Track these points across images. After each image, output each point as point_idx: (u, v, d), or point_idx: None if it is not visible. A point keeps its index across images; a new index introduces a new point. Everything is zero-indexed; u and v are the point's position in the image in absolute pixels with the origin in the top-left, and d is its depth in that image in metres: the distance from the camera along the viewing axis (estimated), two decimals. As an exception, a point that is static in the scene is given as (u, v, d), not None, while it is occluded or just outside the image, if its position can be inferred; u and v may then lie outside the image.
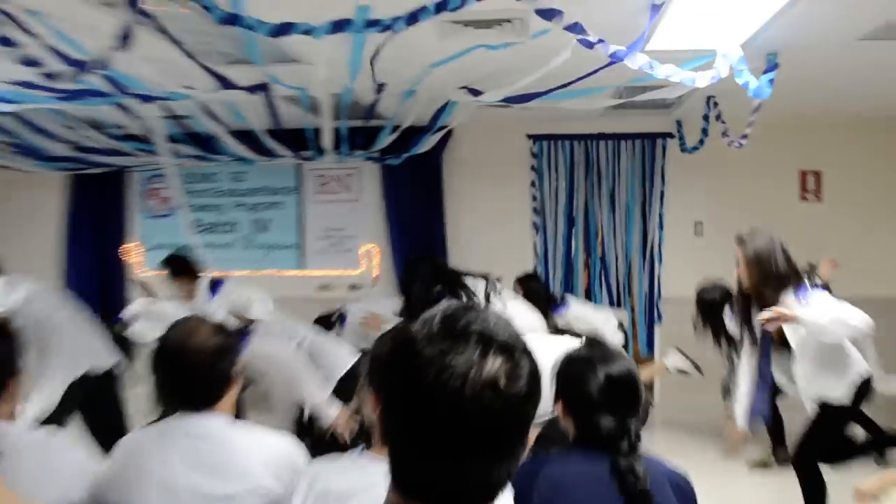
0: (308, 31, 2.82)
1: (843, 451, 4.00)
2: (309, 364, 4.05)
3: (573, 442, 1.99)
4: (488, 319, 1.00)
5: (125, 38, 2.74)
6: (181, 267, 5.29)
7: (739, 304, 3.86)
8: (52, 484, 2.07)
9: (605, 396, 1.91)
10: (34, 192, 7.13)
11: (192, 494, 2.04)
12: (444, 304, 1.04)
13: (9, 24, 3.00)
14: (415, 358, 0.96)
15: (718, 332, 5.04)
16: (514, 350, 0.98)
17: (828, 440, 3.84)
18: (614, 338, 5.73)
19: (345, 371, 4.13)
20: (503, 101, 4.24)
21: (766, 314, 3.45)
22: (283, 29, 2.80)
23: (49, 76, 3.05)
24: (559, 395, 1.99)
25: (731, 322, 4.58)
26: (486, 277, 4.45)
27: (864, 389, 3.72)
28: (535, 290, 5.88)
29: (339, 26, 2.83)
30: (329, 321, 5.05)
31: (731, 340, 4.85)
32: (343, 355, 4.25)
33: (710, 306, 5.10)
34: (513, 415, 0.97)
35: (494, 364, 0.95)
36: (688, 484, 1.96)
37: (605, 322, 5.93)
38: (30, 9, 3.07)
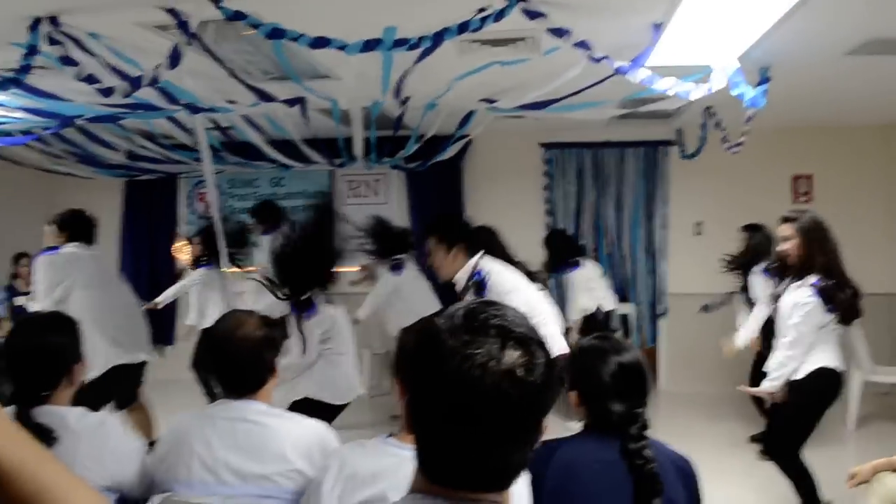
0: (342, 47, 2.85)
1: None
2: None
3: (585, 428, 2.00)
4: (507, 314, 1.01)
5: (175, 58, 2.78)
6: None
7: (779, 273, 3.83)
8: (106, 464, 2.10)
9: (617, 384, 1.90)
10: (95, 195, 7.21)
11: (230, 473, 2.06)
12: (468, 300, 1.05)
13: (71, 45, 3.06)
14: (439, 349, 0.97)
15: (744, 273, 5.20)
16: (531, 343, 0.99)
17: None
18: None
19: None
20: (518, 108, 4.25)
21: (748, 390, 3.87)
22: (321, 42, 2.83)
23: (106, 92, 3.10)
24: (573, 384, 1.99)
25: (759, 278, 4.94)
26: None
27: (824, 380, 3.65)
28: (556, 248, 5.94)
29: (370, 45, 2.87)
30: None
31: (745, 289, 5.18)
32: None
33: (754, 251, 5.16)
34: (530, 403, 0.97)
35: (512, 355, 0.96)
36: (690, 466, 1.95)
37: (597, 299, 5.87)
38: (91, 31, 3.13)
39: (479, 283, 3.74)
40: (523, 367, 0.96)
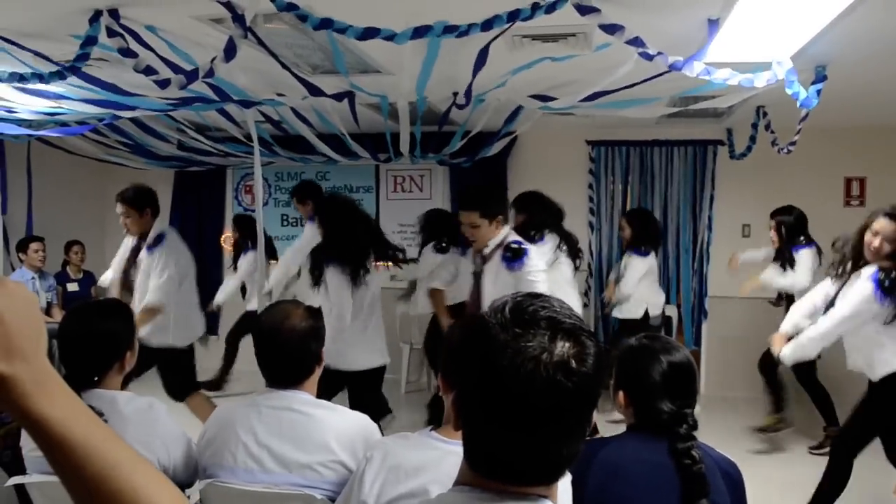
0: (391, 36, 2.82)
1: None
2: None
3: (629, 429, 1.98)
4: (554, 306, 1.01)
5: (231, 51, 2.81)
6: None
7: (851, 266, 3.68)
8: (153, 448, 2.14)
9: (667, 383, 1.89)
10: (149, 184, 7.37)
11: (274, 461, 2.08)
12: (515, 294, 1.04)
13: (129, 38, 3.12)
14: (490, 343, 0.97)
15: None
16: (581, 333, 0.99)
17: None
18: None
19: None
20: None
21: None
22: (370, 33, 2.81)
23: (162, 84, 3.14)
24: (621, 383, 1.98)
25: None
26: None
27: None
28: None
29: (419, 32, 2.84)
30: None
31: None
32: None
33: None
34: (583, 393, 0.97)
35: (564, 346, 0.96)
36: (737, 471, 1.93)
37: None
38: (148, 24, 3.18)
39: (516, 250, 3.89)
40: (575, 357, 0.96)
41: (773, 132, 5.32)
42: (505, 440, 0.98)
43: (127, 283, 4.63)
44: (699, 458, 1.80)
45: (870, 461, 3.71)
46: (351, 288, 3.98)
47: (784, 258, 5.24)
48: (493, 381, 0.96)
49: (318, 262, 4.03)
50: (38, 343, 0.69)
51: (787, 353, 3.70)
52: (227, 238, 7.52)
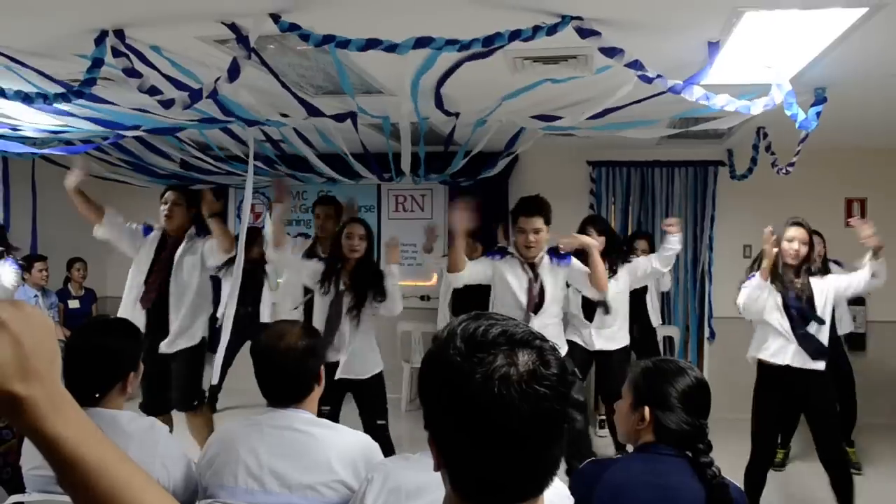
0: (393, 47, 2.82)
1: None
2: None
3: (637, 449, 1.99)
4: (499, 320, 1.02)
5: (235, 71, 2.84)
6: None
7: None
8: (155, 468, 2.12)
9: (687, 400, 1.94)
10: (146, 203, 7.35)
11: (276, 481, 2.07)
12: (454, 320, 1.05)
13: (133, 58, 3.15)
14: (455, 376, 0.97)
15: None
16: (534, 339, 1.00)
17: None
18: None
19: None
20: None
21: None
22: (371, 44, 2.81)
23: (166, 104, 3.16)
24: (640, 401, 2.00)
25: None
26: None
27: None
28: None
29: (421, 42, 2.84)
30: None
31: None
32: None
33: None
34: (558, 392, 0.98)
35: (525, 356, 0.97)
36: (742, 495, 1.95)
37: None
38: (153, 44, 3.21)
39: (563, 254, 4.34)
40: (540, 363, 0.97)
41: (773, 153, 5.34)
42: (495, 460, 0.98)
43: (156, 283, 4.61)
44: (719, 471, 1.84)
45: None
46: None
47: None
48: (469, 410, 0.96)
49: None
50: (53, 365, 0.71)
51: None
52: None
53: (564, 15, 2.79)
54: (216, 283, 6.02)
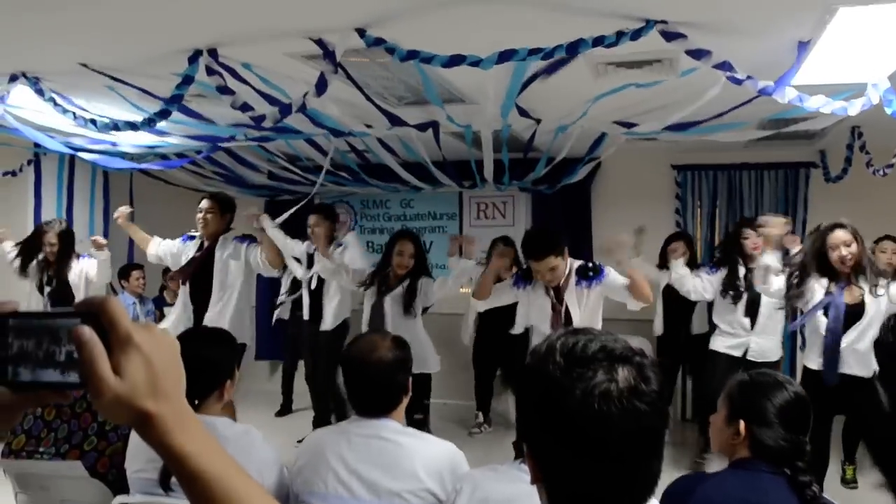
0: (477, 62, 2.85)
1: None
2: None
3: (732, 464, 1.94)
4: (598, 335, 1.02)
5: (322, 86, 2.91)
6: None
7: None
8: (250, 473, 2.19)
9: (786, 415, 1.89)
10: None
11: (364, 487, 2.10)
12: (552, 335, 1.05)
13: (226, 75, 3.26)
14: (555, 392, 0.98)
15: None
16: (634, 355, 1.00)
17: None
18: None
19: None
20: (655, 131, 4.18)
21: None
22: (455, 60, 2.84)
23: (258, 120, 3.27)
24: (736, 415, 1.96)
25: None
26: None
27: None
28: None
29: (504, 56, 2.85)
30: None
31: None
32: None
33: None
34: (657, 409, 0.98)
35: (625, 372, 0.97)
36: None
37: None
38: (244, 62, 3.32)
39: (593, 267, 4.10)
40: (640, 379, 0.97)
41: (868, 153, 5.11)
42: (594, 474, 0.98)
43: (187, 272, 4.97)
44: (819, 492, 1.77)
45: None
46: None
47: None
48: (568, 425, 0.97)
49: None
50: (179, 383, 0.75)
51: None
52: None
53: (649, 19, 2.74)
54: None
